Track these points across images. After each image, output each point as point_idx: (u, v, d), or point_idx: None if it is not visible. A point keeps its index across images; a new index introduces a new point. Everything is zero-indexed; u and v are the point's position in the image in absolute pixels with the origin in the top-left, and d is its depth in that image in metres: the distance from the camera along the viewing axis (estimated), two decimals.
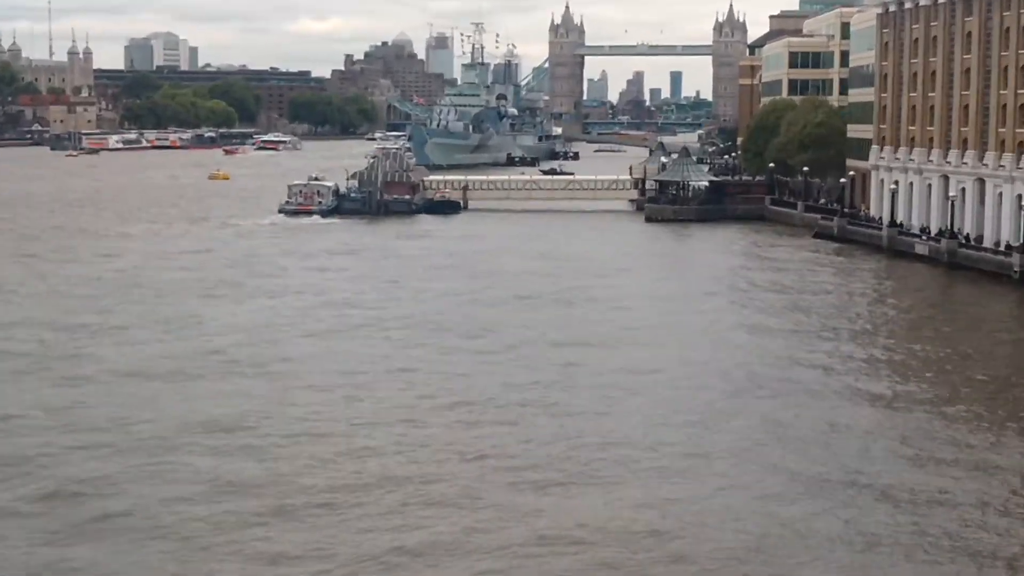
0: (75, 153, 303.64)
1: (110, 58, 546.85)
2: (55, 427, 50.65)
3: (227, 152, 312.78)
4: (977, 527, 39.90)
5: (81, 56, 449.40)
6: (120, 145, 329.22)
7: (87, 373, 60.17)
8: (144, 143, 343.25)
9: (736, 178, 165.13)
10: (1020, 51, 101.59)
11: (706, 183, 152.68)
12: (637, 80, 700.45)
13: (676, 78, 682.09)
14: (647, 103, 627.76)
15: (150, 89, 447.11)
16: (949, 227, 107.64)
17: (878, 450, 49.33)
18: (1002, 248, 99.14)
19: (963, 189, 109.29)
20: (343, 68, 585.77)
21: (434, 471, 46.09)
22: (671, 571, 37.43)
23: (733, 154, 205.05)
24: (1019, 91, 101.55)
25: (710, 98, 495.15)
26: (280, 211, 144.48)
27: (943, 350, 70.14)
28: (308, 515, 40.63)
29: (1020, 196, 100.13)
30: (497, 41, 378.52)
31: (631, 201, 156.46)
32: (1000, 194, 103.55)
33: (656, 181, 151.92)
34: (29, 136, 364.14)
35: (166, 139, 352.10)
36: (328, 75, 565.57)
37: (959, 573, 36.88)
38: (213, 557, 37.18)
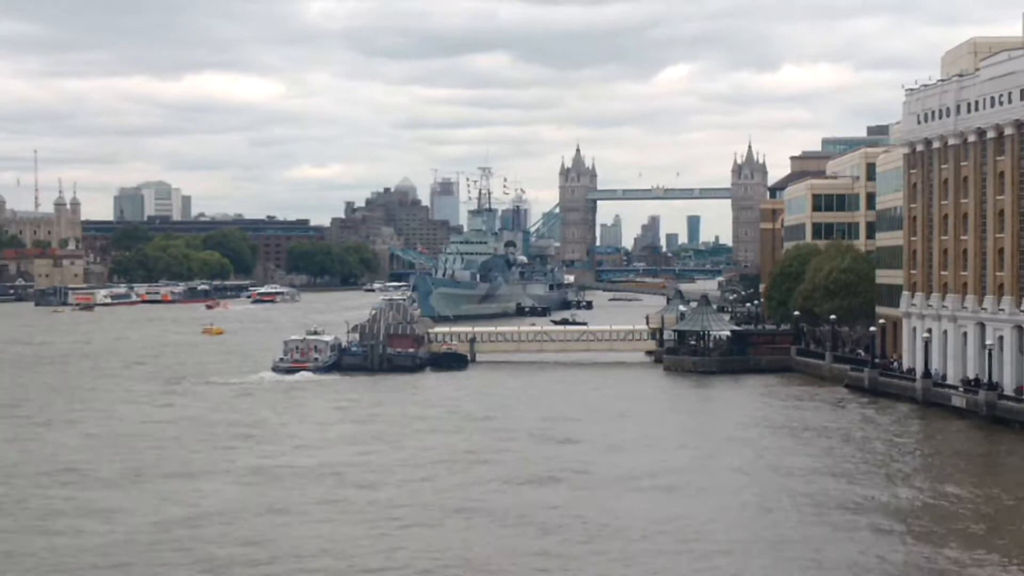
0: (61, 309, 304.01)
1: (99, 209, 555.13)
2: None
3: (209, 307, 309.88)
4: None
5: (68, 207, 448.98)
6: (109, 300, 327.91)
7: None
8: (134, 297, 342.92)
9: (759, 327, 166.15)
10: None
11: (728, 333, 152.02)
12: (652, 225, 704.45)
13: (694, 222, 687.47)
14: (663, 249, 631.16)
15: (140, 240, 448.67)
16: (988, 378, 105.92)
17: None
18: None
19: (1000, 337, 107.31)
20: (343, 216, 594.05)
21: None
22: None
23: (756, 302, 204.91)
24: None
25: (730, 243, 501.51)
26: (274, 369, 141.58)
27: (985, 505, 70.27)
28: None
29: None
30: (505, 186, 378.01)
31: (648, 352, 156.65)
32: None
33: (675, 331, 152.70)
34: (12, 292, 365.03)
35: (157, 293, 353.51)
36: (327, 223, 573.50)
37: None
38: None
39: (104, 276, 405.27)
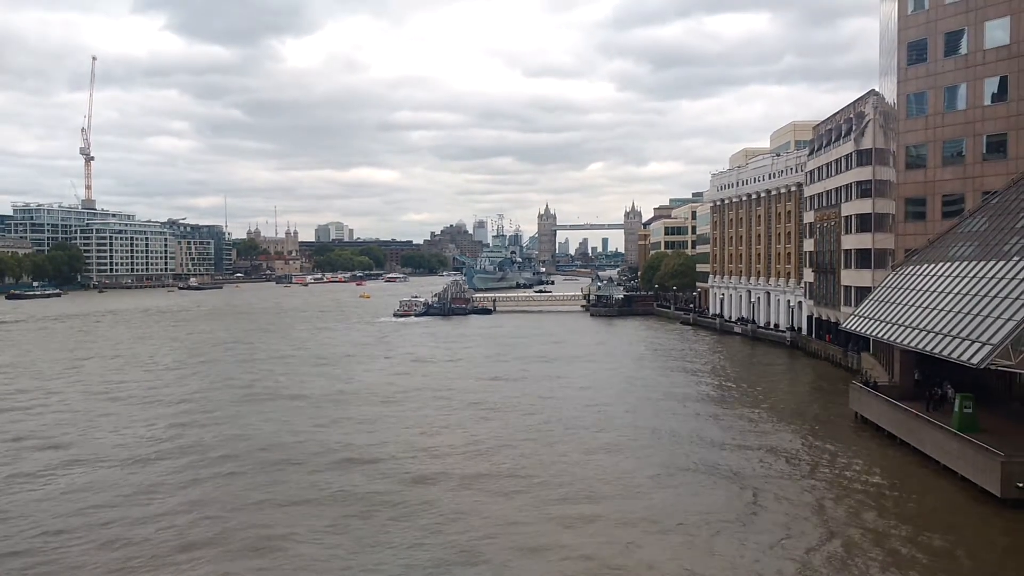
0: (289, 285, 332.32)
1: (307, 234, 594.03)
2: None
3: (357, 284, 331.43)
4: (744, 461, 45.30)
5: (292, 233, 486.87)
6: (312, 281, 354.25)
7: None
8: (325, 279, 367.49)
9: (638, 293, 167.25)
10: (780, 225, 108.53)
11: (622, 296, 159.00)
12: (584, 243, 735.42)
13: (605, 242, 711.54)
14: (590, 255, 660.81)
15: (328, 251, 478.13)
16: (751, 318, 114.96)
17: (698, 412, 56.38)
18: (780, 329, 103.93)
19: (759, 298, 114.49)
20: (429, 238, 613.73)
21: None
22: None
23: (635, 281, 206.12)
24: (785, 247, 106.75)
25: (623, 251, 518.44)
26: (394, 315, 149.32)
27: (747, 378, 74.18)
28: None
29: (788, 302, 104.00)
30: (510, 223, 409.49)
31: (582, 306, 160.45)
32: (777, 300, 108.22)
33: (596, 295, 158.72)
34: (264, 277, 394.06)
35: (336, 277, 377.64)
36: (422, 242, 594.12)
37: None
38: None
39: (310, 268, 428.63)
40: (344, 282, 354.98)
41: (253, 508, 36.13)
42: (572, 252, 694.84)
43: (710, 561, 30.23)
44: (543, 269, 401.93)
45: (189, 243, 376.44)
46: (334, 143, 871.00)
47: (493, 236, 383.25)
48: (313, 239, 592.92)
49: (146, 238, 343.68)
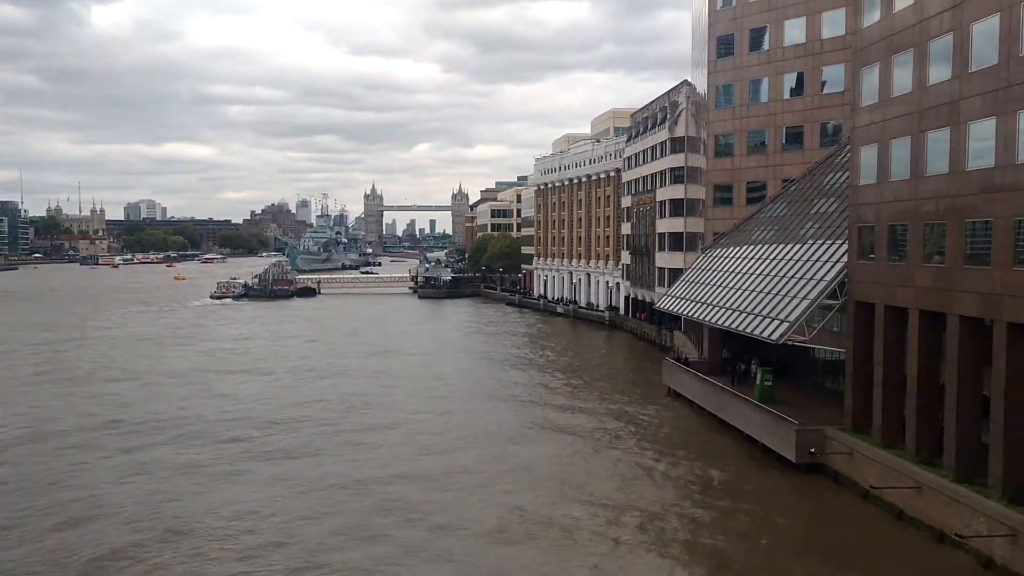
0: (95, 267, 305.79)
1: (115, 213, 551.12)
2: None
3: (168, 265, 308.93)
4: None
5: (99, 211, 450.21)
6: (121, 262, 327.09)
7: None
8: (136, 260, 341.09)
9: (465, 274, 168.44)
10: (600, 210, 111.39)
11: (449, 277, 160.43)
12: (412, 225, 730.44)
13: (433, 223, 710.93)
14: (418, 236, 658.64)
15: (139, 231, 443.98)
16: (573, 299, 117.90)
17: (522, 383, 58.36)
18: (600, 309, 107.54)
19: (580, 279, 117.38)
20: (249, 217, 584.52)
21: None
22: None
23: (463, 262, 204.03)
24: (605, 230, 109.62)
25: (450, 233, 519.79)
26: (211, 297, 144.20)
27: (568, 355, 77.63)
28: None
29: (607, 283, 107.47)
30: (335, 203, 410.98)
31: (410, 288, 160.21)
32: (597, 281, 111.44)
33: (424, 277, 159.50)
34: (66, 258, 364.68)
35: (148, 258, 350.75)
36: (241, 222, 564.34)
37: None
38: None
39: (119, 249, 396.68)
40: (157, 263, 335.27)
41: None
42: (400, 233, 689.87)
43: (525, 501, 33.53)
44: (370, 250, 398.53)
45: None
46: (145, 116, 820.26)
47: (317, 216, 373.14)
48: (122, 218, 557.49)
49: None
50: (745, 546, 28.78)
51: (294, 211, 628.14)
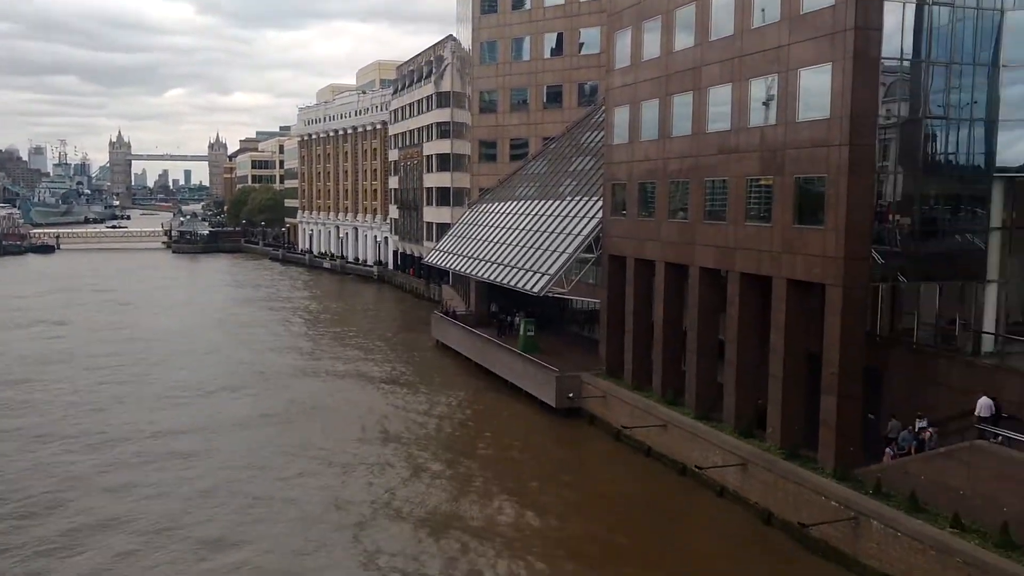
0: None
1: None
2: None
3: None
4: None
5: None
6: None
7: None
8: None
9: (224, 228, 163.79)
10: (367, 163, 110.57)
11: (207, 231, 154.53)
12: (165, 176, 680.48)
13: (188, 174, 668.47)
14: (172, 188, 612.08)
15: None
16: (341, 253, 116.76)
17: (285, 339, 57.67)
18: (368, 264, 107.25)
19: (347, 233, 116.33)
20: None
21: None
22: None
23: (222, 215, 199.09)
24: (372, 184, 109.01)
25: (208, 184, 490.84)
26: None
27: (338, 305, 78.52)
28: None
29: (376, 237, 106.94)
30: (76, 150, 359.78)
31: (164, 243, 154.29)
32: (365, 236, 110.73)
33: (178, 231, 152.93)
34: None
35: None
36: None
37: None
38: None
39: None
40: None
41: None
42: (151, 185, 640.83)
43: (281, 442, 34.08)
44: (117, 203, 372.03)
45: None
46: None
47: (55, 164, 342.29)
48: None
49: None
50: (495, 473, 30.37)
51: (26, 158, 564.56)
